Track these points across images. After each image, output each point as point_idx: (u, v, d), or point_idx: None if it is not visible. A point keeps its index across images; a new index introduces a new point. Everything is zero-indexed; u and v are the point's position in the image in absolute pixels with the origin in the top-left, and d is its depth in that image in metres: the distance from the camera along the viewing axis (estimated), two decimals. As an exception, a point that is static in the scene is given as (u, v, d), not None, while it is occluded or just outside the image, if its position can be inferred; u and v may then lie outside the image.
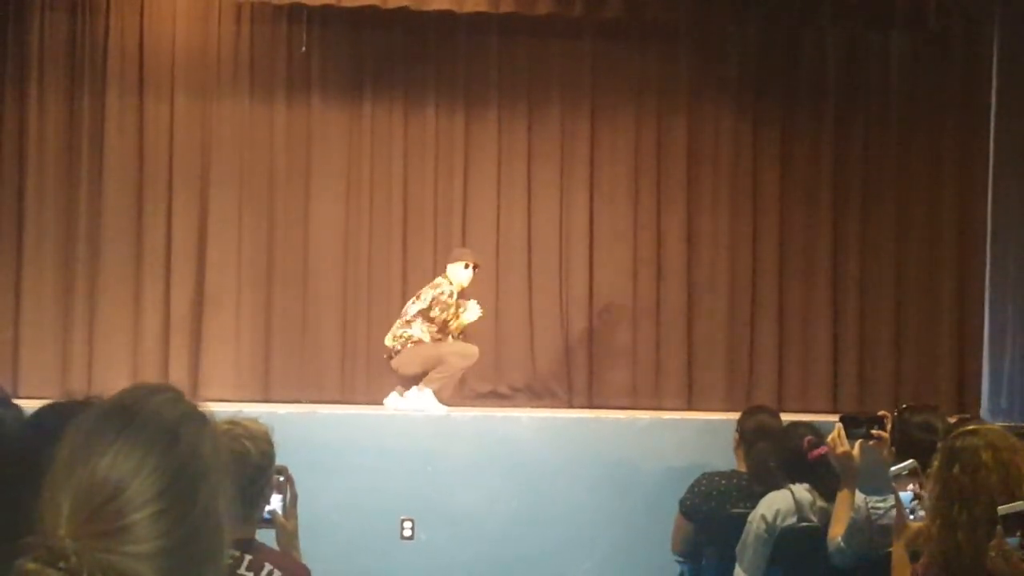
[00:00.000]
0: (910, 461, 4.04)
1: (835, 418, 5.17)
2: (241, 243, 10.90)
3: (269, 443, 3.66)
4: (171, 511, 1.55)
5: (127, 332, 10.73)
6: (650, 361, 11.15)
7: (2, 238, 10.70)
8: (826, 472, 5.12)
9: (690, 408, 10.89)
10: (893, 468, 4.10)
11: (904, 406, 5.04)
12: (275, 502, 3.78)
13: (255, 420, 3.72)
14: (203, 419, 1.68)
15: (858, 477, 4.88)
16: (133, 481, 1.54)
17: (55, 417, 2.67)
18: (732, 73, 11.32)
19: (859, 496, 4.93)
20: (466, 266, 9.81)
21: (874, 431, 4.96)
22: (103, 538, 1.52)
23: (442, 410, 9.37)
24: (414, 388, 9.47)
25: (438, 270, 10.88)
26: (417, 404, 9.37)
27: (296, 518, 3.87)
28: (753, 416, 6.19)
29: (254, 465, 3.55)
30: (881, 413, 5.10)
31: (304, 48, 10.94)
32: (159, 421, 1.61)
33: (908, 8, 10.74)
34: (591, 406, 10.88)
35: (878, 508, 4.87)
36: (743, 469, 6.01)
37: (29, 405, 3.30)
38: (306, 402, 10.22)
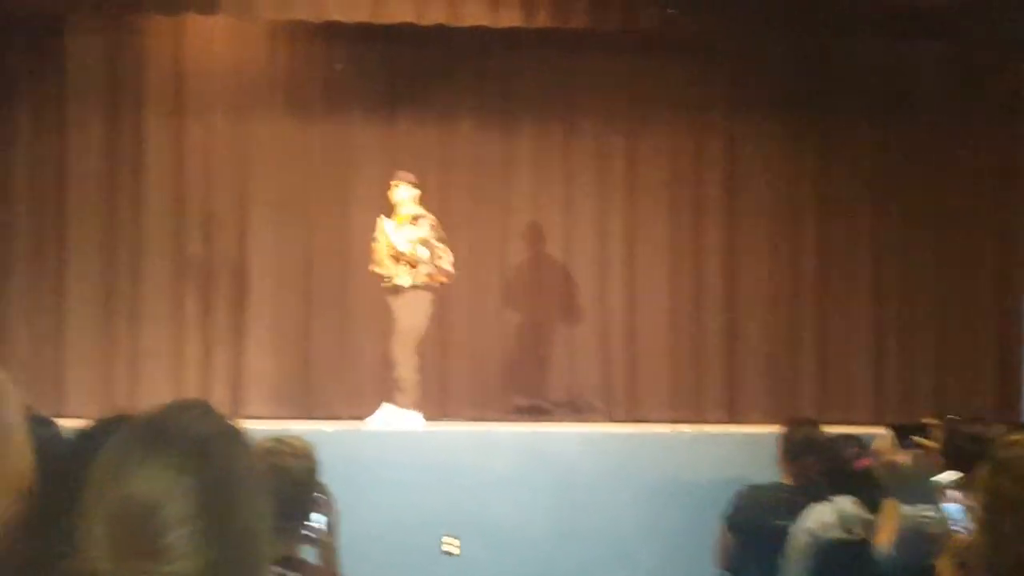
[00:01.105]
0: (956, 472, 4.01)
1: (878, 430, 5.14)
2: (280, 261, 10.95)
3: (313, 461, 3.67)
4: (208, 529, 1.53)
5: (169, 350, 10.79)
6: (691, 374, 11.11)
7: (45, 258, 10.79)
8: (871, 484, 5.08)
9: (732, 421, 10.84)
10: (939, 479, 4.06)
11: (953, 416, 5.00)
12: (316, 520, 3.78)
13: (299, 438, 3.73)
14: (236, 434, 1.66)
15: (903, 487, 4.84)
16: (168, 500, 1.52)
17: (98, 436, 2.68)
18: (768, 86, 11.28)
19: (904, 506, 4.88)
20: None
21: (920, 439, 4.92)
22: (140, 559, 1.50)
23: (421, 423, 9.37)
24: (387, 406, 9.44)
25: (474, 283, 10.90)
26: (399, 422, 9.35)
27: (337, 535, 3.87)
28: (796, 428, 6.14)
29: (297, 482, 3.55)
30: (928, 421, 5.06)
31: (340, 66, 10.98)
32: (190, 438, 1.59)
33: (943, 18, 10.68)
34: (632, 420, 10.85)
35: (928, 517, 4.83)
36: (787, 482, 5.96)
37: (73, 424, 3.32)
38: (347, 418, 10.23)
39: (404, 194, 9.56)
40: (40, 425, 3.38)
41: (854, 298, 11.22)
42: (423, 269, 9.37)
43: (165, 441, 1.57)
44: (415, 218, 9.46)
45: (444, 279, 9.54)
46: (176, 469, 1.54)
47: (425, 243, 9.37)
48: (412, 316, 9.45)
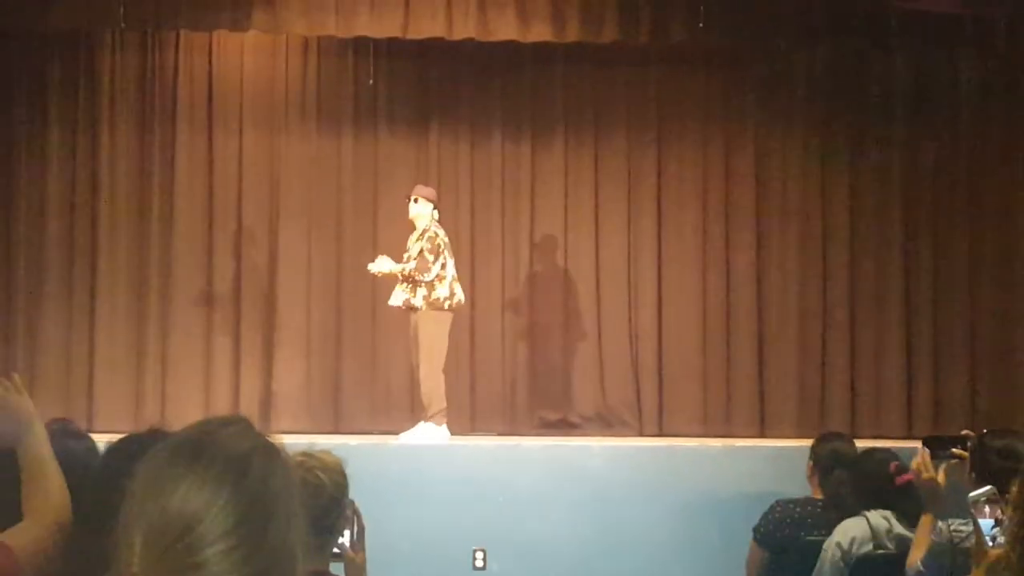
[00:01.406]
0: (989, 487, 3.98)
1: (910, 444, 5.12)
2: (310, 275, 10.98)
3: (343, 475, 3.66)
4: (244, 545, 1.54)
5: (199, 365, 10.83)
6: (721, 389, 11.08)
7: (76, 274, 10.85)
8: (909, 498, 5.05)
9: (762, 435, 10.80)
10: (972, 494, 4.04)
11: (985, 431, 4.97)
12: (343, 535, 3.77)
13: (328, 452, 3.73)
14: (274, 450, 1.66)
15: (943, 503, 4.80)
16: (205, 516, 1.53)
17: (131, 449, 2.69)
18: (799, 98, 11.26)
19: (939, 521, 4.85)
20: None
21: (956, 450, 4.89)
22: (177, 573, 1.51)
23: (447, 438, 9.40)
24: (421, 423, 9.46)
25: (507, 298, 10.91)
26: (429, 438, 9.37)
27: (364, 550, 3.86)
28: (827, 443, 6.12)
29: (328, 497, 3.55)
30: (965, 433, 5.03)
31: (371, 80, 11.02)
32: (229, 454, 1.60)
33: (977, 30, 10.64)
34: (662, 434, 10.83)
35: (960, 531, 4.79)
36: (817, 496, 5.94)
37: (103, 439, 3.34)
38: (377, 432, 10.25)
39: (421, 209, 9.57)
40: (74, 439, 3.41)
41: (885, 311, 11.16)
42: (421, 287, 9.38)
43: (205, 456, 1.58)
44: (422, 234, 9.47)
45: (446, 305, 9.49)
46: (215, 484, 1.55)
47: (418, 258, 9.36)
48: (430, 337, 9.45)
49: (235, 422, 1.67)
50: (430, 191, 9.72)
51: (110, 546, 1.56)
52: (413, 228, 9.62)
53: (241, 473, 1.58)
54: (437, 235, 9.43)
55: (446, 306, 9.43)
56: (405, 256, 9.49)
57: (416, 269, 9.33)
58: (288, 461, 1.68)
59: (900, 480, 5.21)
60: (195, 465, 1.56)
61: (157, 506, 1.53)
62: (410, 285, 9.40)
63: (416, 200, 9.59)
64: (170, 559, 1.51)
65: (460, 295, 9.54)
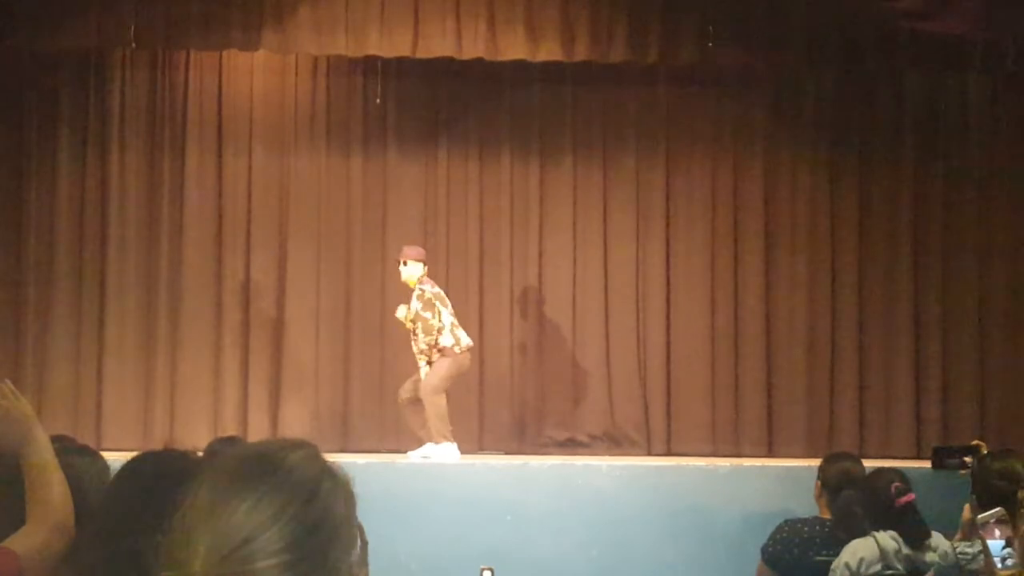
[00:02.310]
0: (998, 508, 3.98)
1: (918, 464, 5.11)
2: (319, 294, 10.99)
3: (351, 493, 3.66)
4: (300, 564, 1.58)
5: (207, 384, 10.84)
6: (729, 408, 11.06)
7: (85, 293, 10.87)
8: (913, 519, 5.04)
9: (770, 455, 10.78)
10: (980, 516, 4.03)
11: (986, 453, 4.96)
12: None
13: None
14: (339, 477, 1.72)
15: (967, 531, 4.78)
16: (268, 530, 1.57)
17: (144, 467, 2.71)
18: (808, 118, 11.28)
19: (945, 542, 4.84)
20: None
21: (967, 459, 4.88)
22: None
23: (456, 457, 9.47)
24: (429, 444, 9.52)
25: (515, 317, 10.92)
26: (438, 457, 9.42)
27: (367, 566, 3.86)
28: (836, 463, 6.10)
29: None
30: (976, 443, 5.02)
31: (379, 99, 11.04)
32: (300, 476, 1.65)
33: (986, 50, 10.64)
34: (670, 454, 10.81)
35: (967, 553, 4.78)
36: (825, 516, 5.93)
37: (111, 457, 3.34)
38: (385, 451, 10.24)
39: (412, 270, 9.66)
40: (87, 457, 3.41)
41: (894, 331, 11.15)
42: (426, 341, 9.50)
43: (278, 474, 1.63)
44: (420, 296, 9.56)
45: (456, 351, 9.59)
46: (283, 502, 1.60)
47: (417, 318, 9.51)
48: (433, 375, 9.54)
49: (303, 446, 1.72)
50: (418, 251, 9.82)
51: (154, 551, 1.61)
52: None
53: (310, 495, 1.64)
54: (424, 292, 9.54)
55: (456, 351, 9.52)
56: (411, 316, 9.57)
57: (424, 331, 9.48)
58: (351, 489, 1.74)
59: (900, 502, 5.20)
60: (268, 481, 1.62)
61: (224, 513, 1.58)
62: (425, 349, 9.54)
63: (405, 263, 9.68)
64: (228, 564, 1.55)
65: (466, 339, 9.65)
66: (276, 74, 11.14)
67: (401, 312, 9.64)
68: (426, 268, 9.76)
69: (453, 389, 9.82)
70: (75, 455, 3.30)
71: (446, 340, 9.52)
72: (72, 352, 10.77)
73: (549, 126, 11.27)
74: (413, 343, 9.63)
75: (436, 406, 9.52)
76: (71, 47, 10.59)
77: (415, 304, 9.54)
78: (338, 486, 1.70)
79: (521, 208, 11.21)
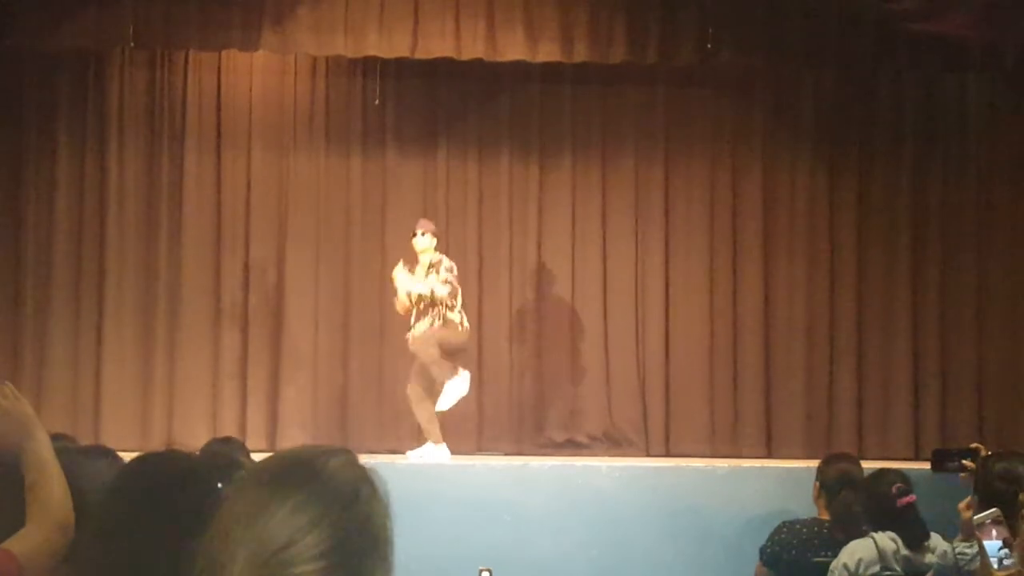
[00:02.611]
0: (994, 509, 3.98)
1: (917, 465, 5.10)
2: (318, 295, 10.99)
3: (387, 500, 3.67)
4: (338, 570, 1.59)
5: (206, 384, 10.83)
6: (728, 409, 11.07)
7: (83, 294, 10.86)
8: (913, 520, 5.04)
9: (769, 456, 10.78)
10: (977, 516, 4.03)
11: (988, 454, 4.95)
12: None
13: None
14: (377, 485, 1.72)
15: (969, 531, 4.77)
16: (307, 535, 1.59)
17: (145, 468, 2.71)
18: (807, 119, 11.28)
19: (944, 543, 4.84)
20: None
21: (966, 462, 4.87)
22: None
23: (447, 457, 9.48)
24: (428, 444, 9.51)
25: (514, 317, 10.92)
26: (432, 457, 9.44)
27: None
28: (834, 464, 6.11)
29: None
30: (975, 446, 5.01)
31: (378, 100, 11.04)
32: (339, 482, 1.66)
33: (986, 50, 10.64)
34: (669, 454, 10.81)
35: (965, 554, 4.78)
36: (824, 517, 5.93)
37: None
38: (384, 451, 10.24)
39: (429, 242, 9.63)
40: (100, 456, 3.41)
41: (893, 332, 11.15)
42: (443, 311, 9.45)
43: (317, 480, 1.65)
44: (432, 265, 9.51)
45: (457, 331, 9.57)
46: (323, 508, 1.61)
47: (447, 284, 9.45)
48: (432, 337, 9.51)
49: (342, 452, 1.73)
50: (432, 225, 9.81)
51: (191, 555, 1.63)
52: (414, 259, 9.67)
53: (349, 502, 1.65)
54: (443, 260, 9.55)
55: (459, 329, 9.49)
56: (415, 291, 9.49)
57: (449, 294, 9.46)
58: (387, 497, 1.74)
59: (901, 503, 5.20)
60: (307, 487, 1.63)
61: (264, 518, 1.59)
62: (431, 312, 9.48)
63: (424, 234, 9.65)
64: (266, 568, 1.56)
65: (467, 323, 9.65)
66: (275, 74, 11.14)
67: (417, 288, 9.47)
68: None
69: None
70: (79, 455, 3.30)
71: (455, 316, 9.51)
72: (71, 352, 10.76)
73: (548, 127, 11.27)
74: (416, 322, 9.54)
75: (426, 410, 9.54)
76: (70, 47, 10.58)
77: (431, 278, 9.45)
78: (376, 492, 1.71)
79: (520, 208, 11.21)
